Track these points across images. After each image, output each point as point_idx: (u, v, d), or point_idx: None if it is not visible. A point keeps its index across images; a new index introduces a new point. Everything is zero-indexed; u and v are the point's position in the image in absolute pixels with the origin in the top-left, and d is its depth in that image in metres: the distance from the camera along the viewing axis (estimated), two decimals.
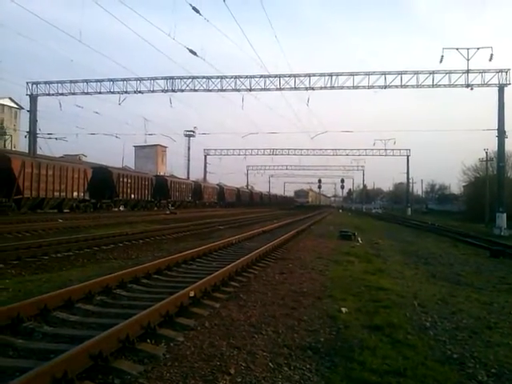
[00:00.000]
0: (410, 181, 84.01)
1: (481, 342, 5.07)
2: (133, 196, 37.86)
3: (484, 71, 32.28)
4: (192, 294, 5.97)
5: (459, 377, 4.03)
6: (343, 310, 6.10)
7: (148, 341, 4.47)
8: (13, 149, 48.13)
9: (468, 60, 31.63)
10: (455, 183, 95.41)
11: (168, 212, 36.52)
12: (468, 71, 32.33)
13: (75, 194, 29.52)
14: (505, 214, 30.86)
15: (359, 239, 18.54)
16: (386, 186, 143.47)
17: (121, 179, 35.70)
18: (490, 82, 32.17)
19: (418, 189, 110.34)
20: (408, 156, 74.23)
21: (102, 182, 33.18)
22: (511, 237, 26.79)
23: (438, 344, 4.93)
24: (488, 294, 8.41)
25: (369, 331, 5.21)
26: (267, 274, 8.95)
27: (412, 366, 4.15)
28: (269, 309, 6.08)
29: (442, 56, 32.28)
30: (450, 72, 33.13)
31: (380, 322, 5.52)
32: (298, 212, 55.28)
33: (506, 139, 32.08)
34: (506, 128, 31.80)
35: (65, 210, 29.39)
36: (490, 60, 31.51)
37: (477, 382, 3.93)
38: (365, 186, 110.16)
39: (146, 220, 25.52)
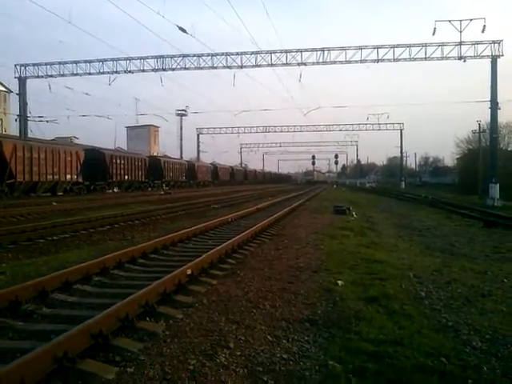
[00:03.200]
0: (404, 154, 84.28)
1: (475, 310, 5.17)
2: (126, 177, 37.71)
3: (477, 43, 32.08)
4: (189, 271, 6.00)
5: (454, 344, 4.11)
6: (339, 282, 6.17)
7: (147, 319, 4.51)
8: (3, 132, 47.60)
9: (461, 32, 31.45)
10: (449, 156, 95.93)
11: (162, 192, 36.48)
12: (461, 43, 32.13)
13: (68, 176, 29.36)
14: (497, 185, 31.08)
15: (354, 213, 18.64)
16: (380, 160, 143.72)
17: (114, 160, 35.49)
18: (482, 54, 32.01)
19: (411, 162, 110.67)
20: (401, 130, 74.37)
21: (95, 163, 32.97)
22: (504, 207, 27.03)
23: (434, 313, 5.01)
24: (482, 263, 8.53)
25: (365, 303, 5.28)
26: (263, 250, 9.00)
27: (408, 334, 4.22)
28: (266, 284, 6.14)
29: (435, 28, 32.08)
30: (442, 44, 32.91)
31: (376, 294, 5.59)
32: (294, 188, 56.19)
33: (498, 110, 32.09)
34: (499, 99, 31.81)
35: (58, 193, 29.26)
36: (483, 31, 31.34)
37: (471, 348, 4.01)
38: (358, 160, 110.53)
39: (141, 201, 25.49)
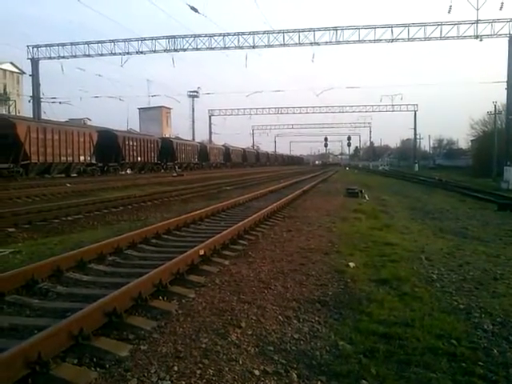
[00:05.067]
0: (418, 136, 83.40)
1: (487, 293, 5.14)
2: (139, 159, 37.88)
3: (494, 21, 31.36)
4: (202, 252, 6.05)
5: (465, 326, 4.11)
6: (351, 264, 6.18)
7: (160, 298, 4.58)
8: (17, 114, 47.93)
9: (477, 10, 30.73)
10: (463, 138, 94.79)
11: (175, 174, 36.61)
12: (477, 21, 31.46)
13: (82, 158, 29.59)
14: None
15: (366, 196, 18.57)
16: (393, 142, 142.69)
17: (126, 142, 35.63)
18: (499, 33, 31.32)
19: (425, 144, 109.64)
20: (415, 111, 73.51)
21: (108, 145, 33.16)
22: None
23: (445, 295, 5.00)
24: (495, 246, 8.45)
25: (376, 284, 5.29)
26: (275, 232, 9.03)
27: (419, 316, 4.23)
28: (277, 265, 6.17)
29: (451, 6, 31.45)
30: (458, 23, 32.28)
31: (387, 276, 5.60)
32: (306, 170, 56.01)
33: None
34: None
35: (72, 175, 29.53)
36: (501, 9, 30.62)
37: (482, 331, 4.01)
38: (371, 143, 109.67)
39: (154, 182, 25.65)
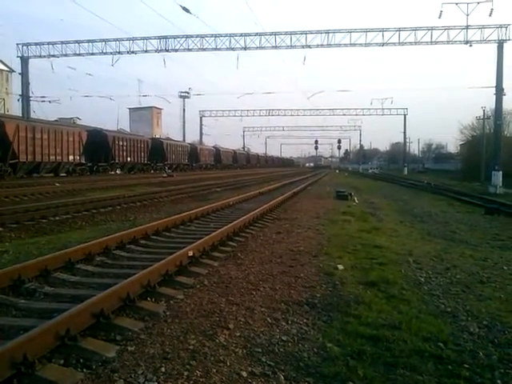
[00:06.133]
0: (407, 140, 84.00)
1: (473, 296, 5.19)
2: (129, 159, 37.67)
3: (484, 27, 31.70)
4: (191, 253, 6.04)
5: (452, 329, 4.14)
6: (339, 266, 6.20)
7: (148, 299, 4.56)
8: (6, 113, 47.44)
9: (467, 15, 31.03)
10: (452, 142, 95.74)
11: (165, 175, 36.46)
12: (467, 27, 31.75)
13: (71, 157, 29.33)
14: (500, 172, 31.01)
15: (355, 199, 18.65)
16: (383, 146, 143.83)
17: (116, 142, 35.40)
18: (489, 38, 31.66)
19: (414, 148, 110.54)
20: (405, 115, 73.99)
21: (98, 145, 32.91)
22: (506, 195, 26.99)
23: (432, 298, 5.04)
24: (482, 250, 8.54)
25: (364, 287, 5.31)
26: (264, 233, 9.03)
27: (406, 319, 4.25)
28: (266, 267, 6.17)
29: (441, 11, 31.69)
30: (448, 28, 32.55)
31: (375, 278, 5.63)
32: (296, 172, 56.15)
33: (503, 97, 31.88)
34: (504, 85, 31.57)
35: (61, 174, 29.27)
36: (490, 15, 30.96)
37: (468, 334, 4.05)
38: (361, 146, 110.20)
39: (143, 183, 25.52)
